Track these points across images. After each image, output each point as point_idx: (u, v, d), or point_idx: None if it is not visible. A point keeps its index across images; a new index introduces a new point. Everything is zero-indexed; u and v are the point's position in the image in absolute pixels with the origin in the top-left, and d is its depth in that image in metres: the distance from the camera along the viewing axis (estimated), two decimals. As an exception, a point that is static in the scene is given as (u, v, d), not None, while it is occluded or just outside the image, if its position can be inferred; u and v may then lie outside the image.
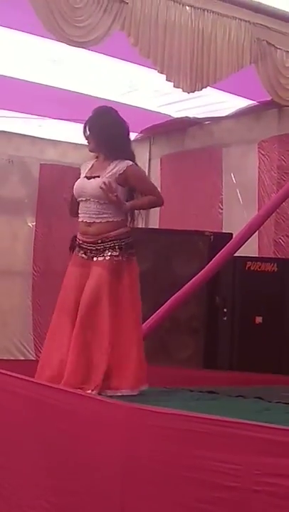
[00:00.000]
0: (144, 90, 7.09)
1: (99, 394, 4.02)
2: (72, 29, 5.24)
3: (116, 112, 4.50)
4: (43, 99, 7.20)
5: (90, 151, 4.50)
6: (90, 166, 4.49)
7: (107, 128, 4.40)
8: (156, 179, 8.49)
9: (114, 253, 4.28)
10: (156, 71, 6.07)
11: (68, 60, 6.47)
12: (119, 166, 4.34)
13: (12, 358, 8.29)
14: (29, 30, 5.76)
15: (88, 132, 4.44)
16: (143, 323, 4.93)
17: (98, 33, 5.35)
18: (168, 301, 5.95)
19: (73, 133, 8.18)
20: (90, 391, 4.04)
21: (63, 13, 5.15)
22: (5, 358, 8.15)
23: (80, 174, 4.52)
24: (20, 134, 8.52)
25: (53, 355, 4.30)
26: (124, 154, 4.40)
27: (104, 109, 4.52)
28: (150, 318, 5.72)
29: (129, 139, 4.54)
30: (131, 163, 4.37)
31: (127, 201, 4.41)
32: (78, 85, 7.01)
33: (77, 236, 4.45)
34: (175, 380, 5.01)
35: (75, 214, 4.51)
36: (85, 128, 4.46)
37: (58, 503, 3.28)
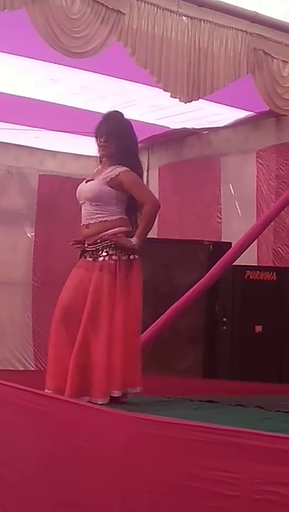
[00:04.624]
0: (141, 106, 7.11)
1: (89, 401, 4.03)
2: (69, 40, 5.26)
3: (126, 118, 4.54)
4: (42, 114, 7.25)
5: (107, 156, 4.44)
6: (95, 171, 4.53)
7: (126, 136, 4.44)
8: (154, 189, 8.50)
9: (111, 252, 4.30)
10: (152, 88, 6.11)
11: (66, 78, 6.53)
12: (113, 171, 4.37)
13: (12, 369, 8.29)
14: (31, 55, 5.90)
15: (105, 136, 4.40)
16: (142, 332, 4.93)
17: (95, 43, 5.37)
18: (167, 311, 5.95)
19: (72, 144, 8.22)
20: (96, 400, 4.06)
21: (61, 23, 5.17)
22: (5, 368, 8.15)
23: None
24: (19, 145, 8.54)
25: (57, 361, 4.30)
26: (131, 162, 4.42)
27: (119, 114, 4.51)
28: (149, 328, 5.72)
29: (138, 148, 4.60)
30: (125, 169, 4.36)
31: (127, 206, 4.43)
32: (75, 101, 7.06)
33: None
34: (175, 390, 5.01)
35: None
36: (101, 131, 4.43)
37: (59, 513, 3.27)
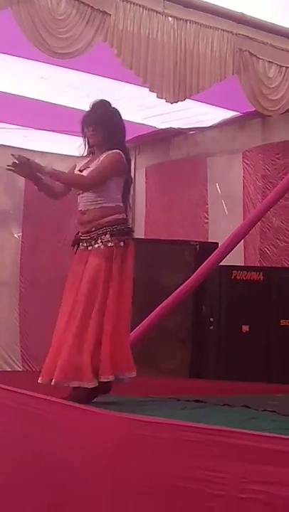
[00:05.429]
0: (127, 105, 7.11)
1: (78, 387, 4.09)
2: (55, 40, 5.25)
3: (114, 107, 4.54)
4: (30, 113, 7.24)
5: (96, 144, 4.45)
6: (85, 161, 4.52)
7: (114, 122, 4.46)
8: (141, 189, 8.52)
9: (107, 239, 4.30)
10: (139, 87, 6.11)
11: (54, 76, 6.53)
12: (105, 154, 4.38)
13: (-1, 370, 8.27)
14: (21, 54, 5.92)
15: (93, 125, 4.41)
16: (130, 331, 4.93)
17: (81, 44, 5.36)
18: (154, 311, 5.96)
19: (60, 144, 8.20)
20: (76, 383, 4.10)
21: (46, 24, 5.16)
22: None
23: (73, 168, 4.57)
24: (6, 146, 8.50)
25: (55, 356, 4.30)
26: (120, 147, 4.43)
27: (106, 103, 4.52)
28: (137, 328, 5.72)
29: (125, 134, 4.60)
30: (117, 150, 4.39)
31: (123, 192, 4.45)
32: (63, 99, 7.05)
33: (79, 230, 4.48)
34: (162, 390, 5.02)
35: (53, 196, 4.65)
36: (88, 121, 4.44)
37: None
